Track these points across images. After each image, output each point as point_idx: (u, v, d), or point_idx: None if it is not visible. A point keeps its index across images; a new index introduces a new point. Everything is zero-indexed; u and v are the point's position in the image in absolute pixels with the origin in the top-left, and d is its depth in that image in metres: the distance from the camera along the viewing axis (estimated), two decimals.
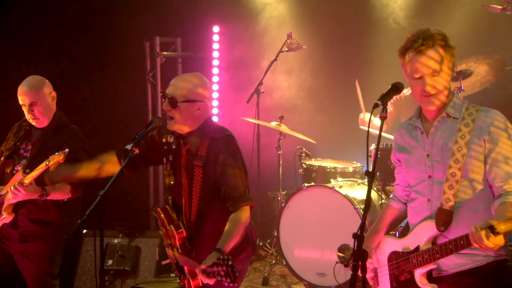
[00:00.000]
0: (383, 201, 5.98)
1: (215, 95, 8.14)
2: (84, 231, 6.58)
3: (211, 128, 3.98)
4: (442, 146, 3.39)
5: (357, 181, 6.25)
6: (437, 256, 3.29)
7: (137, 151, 3.82)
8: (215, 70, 8.17)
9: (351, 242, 5.48)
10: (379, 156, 5.79)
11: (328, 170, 6.50)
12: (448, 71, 3.34)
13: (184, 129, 3.96)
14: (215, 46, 8.16)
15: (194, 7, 7.94)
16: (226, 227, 3.79)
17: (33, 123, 4.97)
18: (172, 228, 3.98)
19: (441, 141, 3.41)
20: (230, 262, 3.36)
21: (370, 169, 3.29)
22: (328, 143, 7.31)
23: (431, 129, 3.46)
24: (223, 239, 3.72)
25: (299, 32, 7.26)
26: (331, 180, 6.32)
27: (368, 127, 3.25)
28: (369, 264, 3.59)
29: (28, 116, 4.94)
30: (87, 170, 4.31)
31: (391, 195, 3.93)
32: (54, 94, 5.01)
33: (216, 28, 8.16)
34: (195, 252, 3.98)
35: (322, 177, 6.49)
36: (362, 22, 7.60)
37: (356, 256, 3.09)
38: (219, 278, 3.42)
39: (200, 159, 3.91)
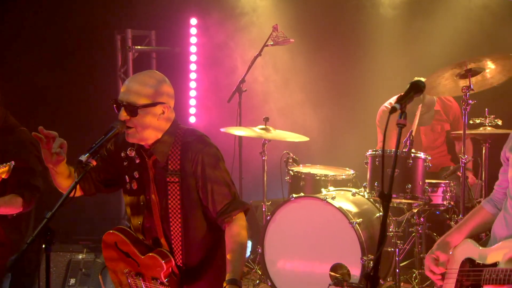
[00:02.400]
0: (381, 214, 5.39)
1: (193, 93, 7.81)
2: (44, 245, 5.94)
3: (179, 132, 3.53)
4: None
5: (351, 191, 5.68)
6: None
7: (94, 163, 3.22)
8: (193, 66, 7.83)
9: (345, 261, 5.23)
10: (376, 163, 5.29)
11: (318, 178, 5.95)
12: None
13: (149, 139, 3.48)
14: (193, 40, 7.82)
15: None
16: (228, 248, 3.40)
17: None
18: (156, 256, 3.44)
19: None
20: None
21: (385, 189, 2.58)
22: (318, 147, 6.91)
23: None
24: (232, 264, 3.33)
25: (286, 24, 6.82)
26: (322, 189, 5.79)
27: (384, 136, 2.60)
28: (442, 259, 3.40)
29: None
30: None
31: (489, 196, 3.59)
32: None
33: (193, 21, 7.82)
34: (186, 285, 3.53)
35: (311, 186, 5.95)
36: (356, 11, 7.29)
37: None
38: None
39: (174, 174, 3.43)
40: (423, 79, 2.82)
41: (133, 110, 3.34)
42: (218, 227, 3.50)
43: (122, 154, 3.60)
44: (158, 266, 3.45)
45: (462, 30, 6.68)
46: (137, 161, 3.55)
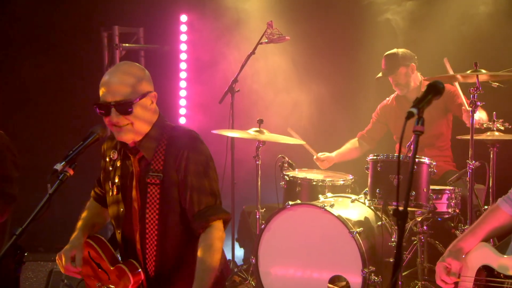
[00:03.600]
0: (383, 222, 5.14)
1: (183, 93, 7.63)
2: (26, 253, 5.72)
3: (167, 126, 3.30)
4: None
5: (350, 198, 5.44)
6: None
7: (71, 172, 2.94)
8: (183, 65, 7.65)
9: (344, 273, 4.99)
10: (379, 169, 5.04)
11: (315, 183, 5.71)
12: None
13: (141, 134, 3.26)
14: (183, 37, 7.66)
15: None
16: (198, 260, 3.12)
17: None
18: (124, 269, 3.16)
19: None
20: None
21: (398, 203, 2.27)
22: (314, 150, 6.55)
23: None
24: (197, 281, 3.06)
25: (281, 20, 6.65)
26: (319, 196, 5.53)
27: (400, 145, 2.30)
28: (455, 267, 3.18)
29: None
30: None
31: (506, 195, 3.31)
32: None
33: (184, 17, 7.65)
34: None
35: (308, 192, 5.71)
36: (354, 7, 7.12)
37: None
38: None
39: (155, 175, 3.18)
40: (441, 81, 2.50)
41: (126, 107, 3.11)
42: (195, 236, 3.22)
43: (107, 159, 3.37)
44: (125, 279, 3.18)
45: (465, 29, 6.52)
46: (118, 163, 3.29)
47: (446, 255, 3.23)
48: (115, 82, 3.13)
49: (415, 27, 6.78)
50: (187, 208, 3.20)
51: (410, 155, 4.92)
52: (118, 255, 3.37)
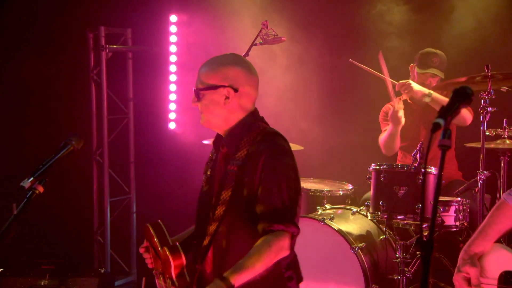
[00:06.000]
0: (386, 237, 4.86)
1: (173, 97, 7.39)
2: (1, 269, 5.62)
3: (258, 124, 3.19)
4: None
5: (351, 210, 5.19)
6: None
7: (41, 189, 2.55)
8: (173, 68, 7.41)
9: None
10: (382, 179, 4.74)
11: (312, 193, 5.49)
12: None
13: (215, 125, 3.24)
14: (173, 38, 7.42)
15: None
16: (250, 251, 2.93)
17: None
18: (166, 251, 2.99)
19: None
20: None
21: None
22: (312, 157, 6.41)
23: None
24: (236, 265, 2.88)
25: (276, 20, 6.46)
26: (317, 207, 5.25)
27: (426, 163, 1.96)
28: (474, 274, 2.97)
29: None
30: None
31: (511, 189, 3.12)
32: None
33: (173, 18, 7.42)
34: None
35: (305, 203, 5.46)
36: (355, 6, 6.86)
37: None
38: None
39: (235, 162, 3.08)
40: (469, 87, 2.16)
41: (196, 91, 3.18)
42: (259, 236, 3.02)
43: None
44: (167, 262, 2.97)
45: (474, 29, 6.25)
46: (213, 155, 3.31)
47: (460, 264, 3.02)
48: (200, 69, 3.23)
49: (422, 30, 6.57)
50: (257, 214, 3.00)
51: (416, 165, 4.62)
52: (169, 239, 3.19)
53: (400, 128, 5.42)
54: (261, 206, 2.97)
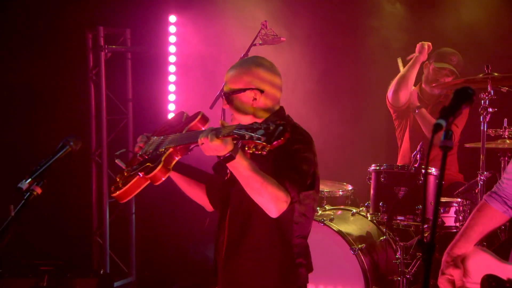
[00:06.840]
0: (386, 237, 4.86)
1: (172, 97, 7.41)
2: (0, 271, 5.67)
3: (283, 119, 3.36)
4: None
5: (350, 211, 5.21)
6: None
7: (39, 190, 2.53)
8: (172, 68, 7.43)
9: None
10: (382, 180, 4.73)
11: None
12: None
13: None
14: (172, 39, 7.44)
15: None
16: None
17: None
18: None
19: None
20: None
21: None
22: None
23: None
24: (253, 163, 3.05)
25: (276, 20, 6.46)
26: (317, 208, 5.20)
27: (426, 165, 1.95)
28: (458, 276, 2.98)
29: None
30: None
31: (491, 190, 3.15)
32: None
33: (172, 18, 7.44)
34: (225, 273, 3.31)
35: None
36: (356, 5, 6.92)
37: None
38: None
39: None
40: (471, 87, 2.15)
41: (225, 96, 3.37)
42: (279, 232, 3.22)
43: None
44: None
45: (475, 25, 6.29)
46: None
47: (444, 267, 3.02)
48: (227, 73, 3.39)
49: (425, 28, 6.59)
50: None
51: (416, 165, 4.61)
52: None
53: (415, 72, 5.61)
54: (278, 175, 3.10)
